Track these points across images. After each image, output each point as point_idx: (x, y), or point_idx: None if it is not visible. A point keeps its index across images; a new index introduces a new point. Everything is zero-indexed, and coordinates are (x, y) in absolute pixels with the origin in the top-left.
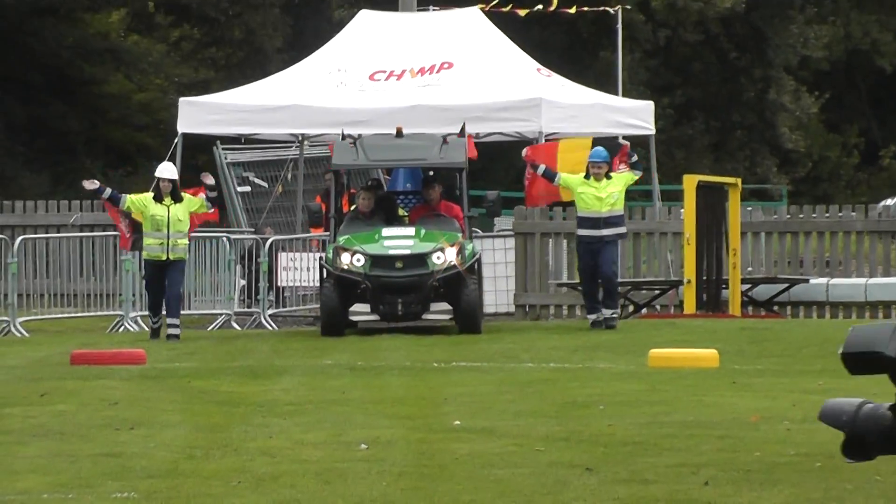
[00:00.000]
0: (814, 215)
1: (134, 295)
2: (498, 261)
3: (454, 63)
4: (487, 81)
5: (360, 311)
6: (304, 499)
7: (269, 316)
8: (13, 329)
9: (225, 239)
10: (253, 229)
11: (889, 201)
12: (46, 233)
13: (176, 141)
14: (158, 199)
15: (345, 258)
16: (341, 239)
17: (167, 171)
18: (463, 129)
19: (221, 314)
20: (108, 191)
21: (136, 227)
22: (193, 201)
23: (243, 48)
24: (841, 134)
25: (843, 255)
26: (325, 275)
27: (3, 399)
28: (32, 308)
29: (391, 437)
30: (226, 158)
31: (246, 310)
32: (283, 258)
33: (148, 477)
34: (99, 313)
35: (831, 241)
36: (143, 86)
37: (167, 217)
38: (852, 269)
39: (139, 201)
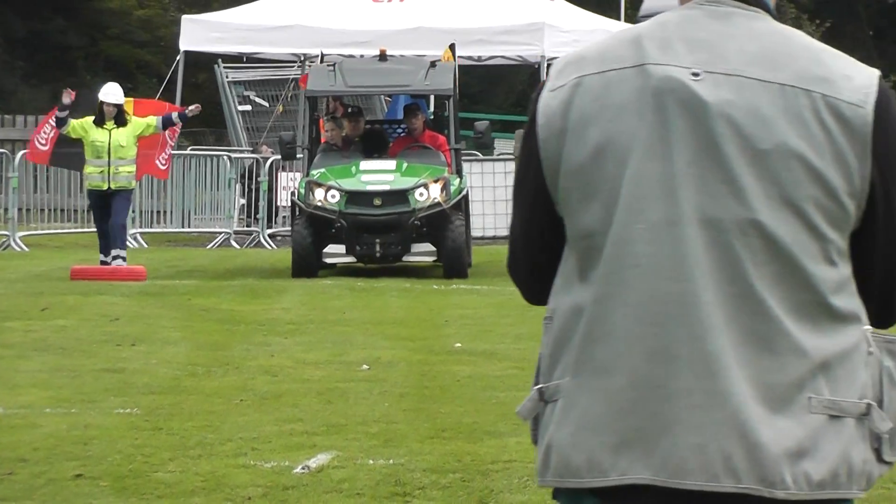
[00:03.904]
0: None
1: (134, 212)
2: (498, 184)
3: None
4: (491, 4)
5: (335, 252)
6: (306, 418)
7: (269, 235)
8: (13, 243)
9: (225, 157)
10: (252, 148)
11: None
12: None
13: (178, 58)
14: (100, 122)
15: (318, 194)
16: (315, 173)
17: (111, 94)
18: (452, 49)
19: (221, 232)
20: (65, 112)
21: (73, 143)
22: (139, 124)
23: None
24: None
25: None
26: (296, 212)
27: (3, 313)
28: (32, 223)
29: (392, 357)
30: (227, 77)
31: (245, 228)
32: (283, 178)
33: (150, 393)
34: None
35: None
36: (144, 2)
37: (108, 142)
38: None
39: (80, 126)
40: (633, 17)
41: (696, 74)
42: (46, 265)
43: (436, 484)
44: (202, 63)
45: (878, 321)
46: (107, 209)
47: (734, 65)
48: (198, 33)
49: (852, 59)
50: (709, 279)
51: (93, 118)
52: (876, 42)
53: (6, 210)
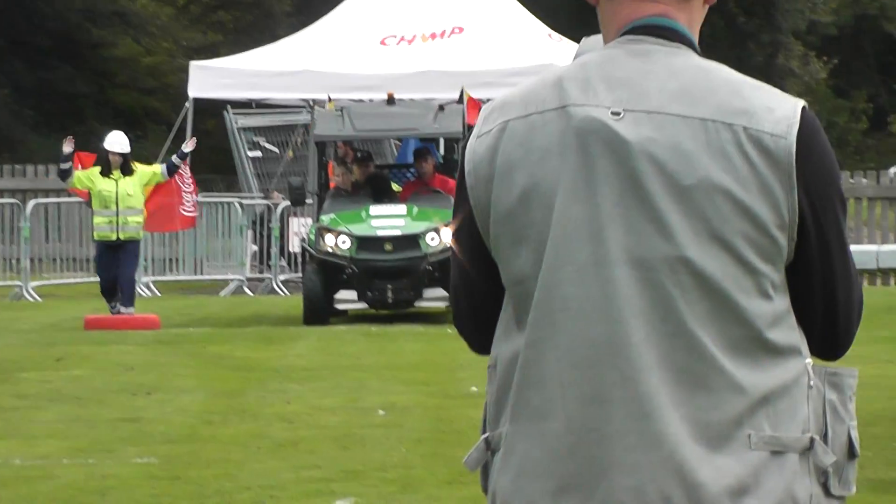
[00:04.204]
0: None
1: (146, 260)
2: None
3: (465, 28)
4: (498, 46)
5: (347, 298)
6: (324, 464)
7: (281, 281)
8: (25, 294)
9: (237, 204)
10: (263, 195)
11: None
12: (58, 197)
13: (186, 105)
14: (106, 173)
15: (328, 240)
16: (325, 218)
17: (117, 143)
18: (462, 94)
19: (233, 279)
20: (69, 164)
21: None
22: (145, 173)
23: (252, 11)
24: (849, 99)
25: (853, 221)
26: (307, 258)
27: (18, 364)
28: (44, 273)
29: (408, 402)
30: (236, 123)
31: (258, 275)
32: (295, 223)
33: (167, 442)
34: None
35: None
36: (152, 49)
37: (115, 192)
38: (863, 235)
39: (85, 177)
40: None
41: (616, 113)
42: (60, 315)
43: None
44: (211, 109)
45: (823, 354)
46: (113, 260)
47: (655, 102)
48: (206, 80)
49: (776, 91)
50: (640, 319)
51: (99, 169)
52: (882, 78)
53: (18, 260)
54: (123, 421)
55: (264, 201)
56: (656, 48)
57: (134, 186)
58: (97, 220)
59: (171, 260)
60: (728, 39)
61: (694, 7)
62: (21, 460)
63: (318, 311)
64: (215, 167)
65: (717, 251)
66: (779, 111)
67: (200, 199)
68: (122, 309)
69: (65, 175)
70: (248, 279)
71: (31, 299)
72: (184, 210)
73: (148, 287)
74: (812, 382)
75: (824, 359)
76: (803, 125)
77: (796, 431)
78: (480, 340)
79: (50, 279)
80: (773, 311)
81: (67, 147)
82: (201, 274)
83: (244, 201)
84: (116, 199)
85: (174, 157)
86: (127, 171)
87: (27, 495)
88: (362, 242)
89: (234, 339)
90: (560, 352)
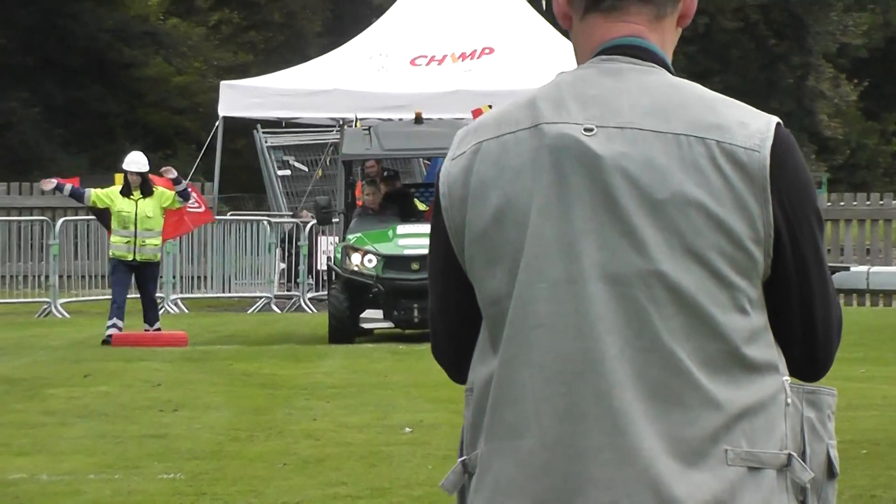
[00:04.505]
0: (854, 203)
1: (174, 277)
2: None
3: (495, 48)
4: (528, 67)
5: (373, 318)
6: (350, 481)
7: (309, 299)
8: (54, 310)
9: (265, 222)
10: (292, 213)
11: None
12: (87, 215)
13: (217, 124)
14: (126, 193)
15: (355, 259)
16: (351, 237)
17: (135, 162)
18: (490, 109)
19: (261, 297)
20: (69, 187)
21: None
22: (166, 195)
23: (283, 32)
24: (879, 122)
25: (883, 242)
26: (333, 277)
27: (46, 380)
28: (73, 289)
29: (434, 420)
30: (266, 142)
31: (286, 293)
32: (323, 242)
33: (193, 458)
34: (138, 295)
35: (872, 228)
36: (182, 69)
37: (134, 213)
38: (893, 256)
39: (105, 196)
40: None
41: (588, 130)
42: (88, 332)
43: None
44: (241, 129)
45: (804, 375)
46: (129, 281)
47: (627, 118)
48: (236, 99)
49: (750, 108)
50: (615, 335)
51: (119, 188)
52: None
53: (47, 277)
54: (150, 437)
55: (293, 220)
56: (629, 67)
57: (153, 208)
58: (115, 239)
59: (199, 277)
60: (758, 62)
61: (666, 28)
62: (48, 476)
63: (344, 331)
64: (244, 186)
65: (692, 265)
66: (753, 126)
67: (229, 217)
68: (150, 328)
69: (78, 197)
70: (276, 297)
71: (59, 316)
72: (191, 208)
73: (176, 304)
74: (790, 400)
75: (805, 380)
76: (777, 140)
77: (774, 448)
78: (460, 367)
79: (78, 296)
80: (750, 326)
81: (48, 185)
82: (229, 291)
83: (273, 219)
84: (136, 220)
85: (182, 191)
86: (147, 191)
87: None
88: (389, 261)
89: (261, 356)
90: (534, 369)
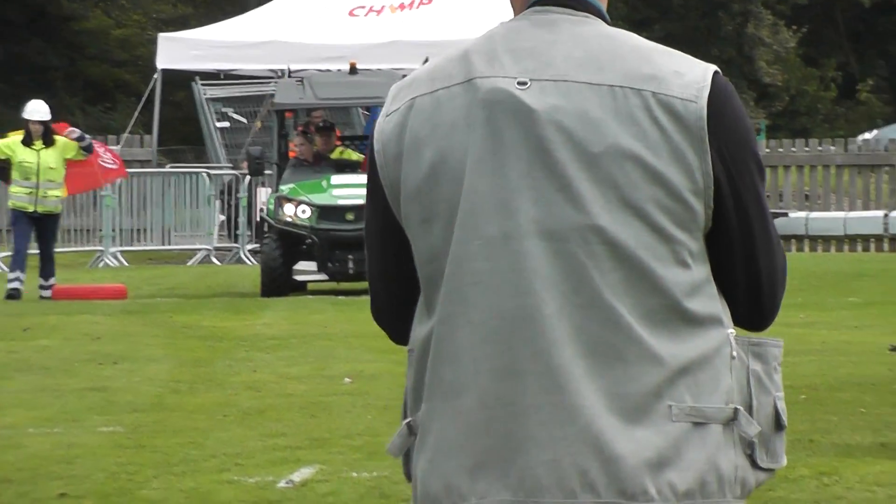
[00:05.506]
0: (793, 149)
1: (114, 230)
2: None
3: None
4: (465, 18)
5: (306, 270)
6: (290, 432)
7: (249, 251)
8: None
9: (205, 174)
10: (232, 165)
11: (867, 135)
12: None
13: (155, 77)
14: (28, 143)
15: (288, 209)
16: (284, 188)
17: (37, 111)
18: (426, 63)
19: (201, 249)
20: None
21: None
22: (69, 146)
23: None
24: (818, 68)
25: (822, 188)
26: (266, 228)
27: None
28: (2, 243)
29: (375, 370)
30: (205, 94)
31: (226, 245)
32: (262, 193)
33: (133, 411)
34: (79, 248)
35: (810, 174)
36: (122, 21)
37: (37, 164)
38: (832, 202)
39: (5, 146)
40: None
41: (522, 83)
42: (28, 285)
43: None
44: (180, 81)
45: (750, 325)
46: (30, 232)
47: (561, 70)
48: (175, 51)
49: (687, 57)
50: (552, 291)
51: (20, 138)
52: (853, 46)
53: None
54: (90, 390)
55: (232, 171)
56: (563, 17)
57: (56, 158)
58: (14, 189)
59: (138, 230)
60: (698, 9)
61: None
62: None
63: (277, 283)
64: (184, 138)
65: (630, 219)
66: (688, 76)
67: (168, 169)
68: (42, 282)
69: None
70: (216, 249)
71: None
72: (104, 162)
73: (116, 257)
74: (735, 353)
75: (752, 330)
76: (714, 89)
77: (719, 402)
78: (400, 329)
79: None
80: (692, 279)
81: None
82: (169, 244)
83: (212, 172)
84: (38, 170)
85: (86, 146)
86: (49, 141)
87: None
88: (323, 212)
89: (201, 308)
90: (472, 326)
